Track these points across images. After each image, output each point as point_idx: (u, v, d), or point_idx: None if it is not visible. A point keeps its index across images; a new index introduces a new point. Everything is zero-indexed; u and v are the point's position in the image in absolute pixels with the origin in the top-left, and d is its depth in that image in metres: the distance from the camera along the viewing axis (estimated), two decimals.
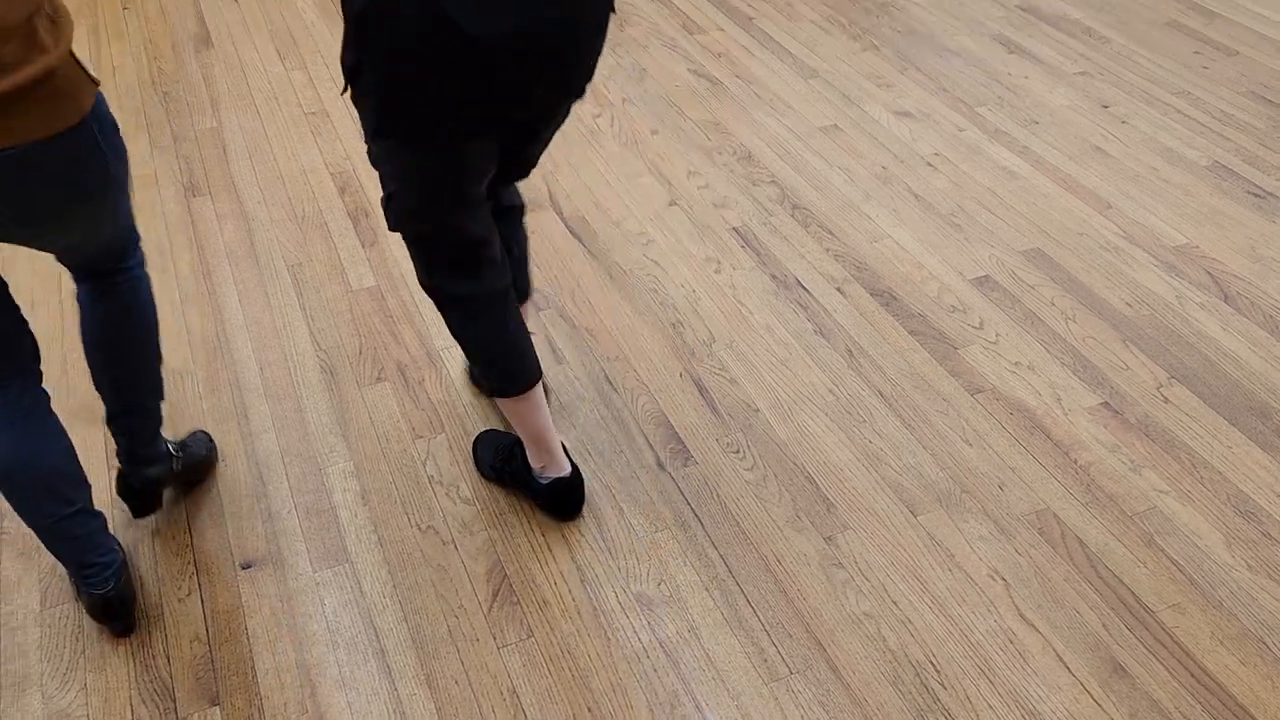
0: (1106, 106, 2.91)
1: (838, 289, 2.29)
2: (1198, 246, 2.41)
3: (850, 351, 2.13)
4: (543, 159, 2.56)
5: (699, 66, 3.11)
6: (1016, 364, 2.11)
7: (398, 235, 2.05)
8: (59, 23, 1.30)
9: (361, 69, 1.32)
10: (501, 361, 1.64)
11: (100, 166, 1.36)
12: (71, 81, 1.29)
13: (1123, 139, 2.78)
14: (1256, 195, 2.57)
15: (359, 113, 1.40)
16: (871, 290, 2.29)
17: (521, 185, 2.53)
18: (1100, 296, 2.27)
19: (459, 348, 1.83)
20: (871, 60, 3.15)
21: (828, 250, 2.40)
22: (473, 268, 1.55)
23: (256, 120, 2.84)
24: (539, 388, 1.68)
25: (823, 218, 2.51)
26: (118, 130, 1.41)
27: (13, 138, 1.26)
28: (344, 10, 1.31)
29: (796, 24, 3.35)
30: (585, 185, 2.61)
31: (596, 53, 1.43)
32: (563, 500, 1.76)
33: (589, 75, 1.45)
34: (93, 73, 1.35)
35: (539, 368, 1.68)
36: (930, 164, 2.70)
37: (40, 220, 1.36)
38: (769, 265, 2.36)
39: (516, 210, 1.77)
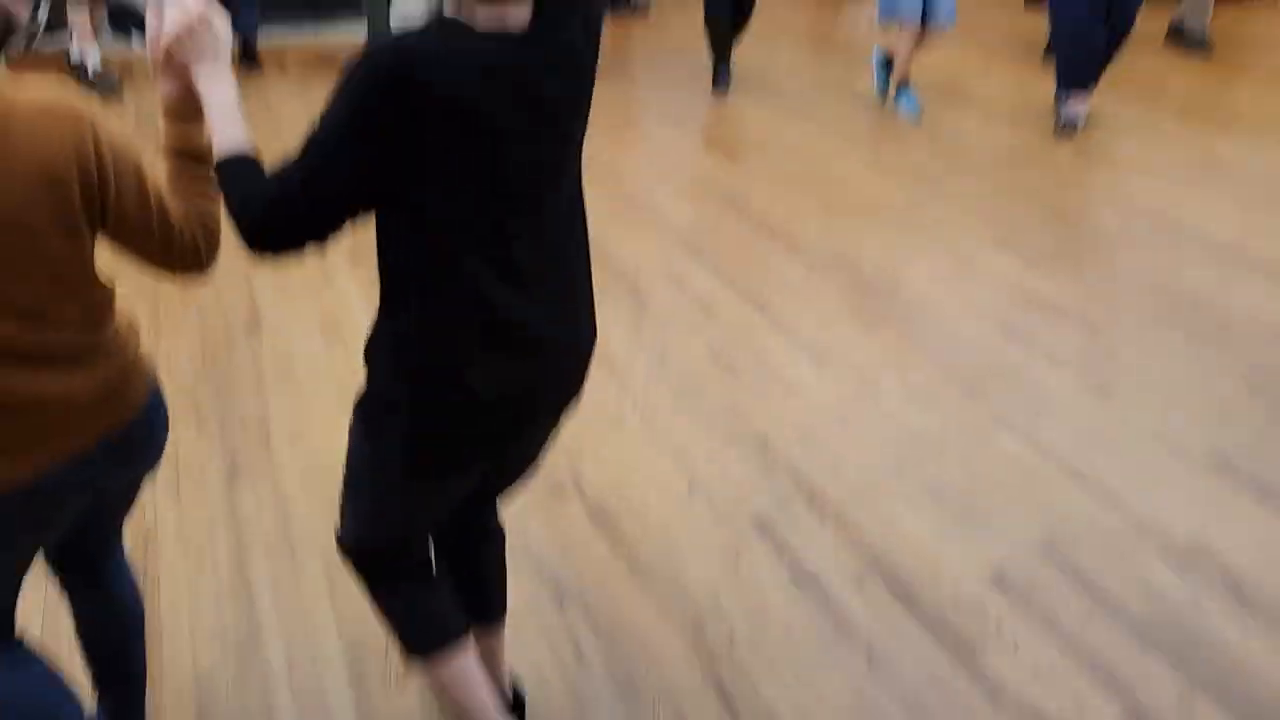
0: (1108, 395, 3.05)
1: (856, 585, 2.34)
2: (1207, 545, 2.45)
3: (869, 655, 2.15)
4: (568, 442, 2.67)
5: (718, 350, 3.30)
6: (1036, 671, 2.12)
7: None
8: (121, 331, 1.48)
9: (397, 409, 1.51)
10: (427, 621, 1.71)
11: (162, 438, 1.55)
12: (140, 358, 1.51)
13: (1126, 428, 2.89)
14: (1264, 491, 2.64)
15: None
16: (890, 587, 2.34)
17: (545, 470, 2.63)
18: (1116, 595, 2.30)
19: None
20: (882, 344, 3.33)
21: (845, 543, 2.47)
22: (405, 579, 1.69)
23: (300, 403, 3.00)
24: (464, 648, 1.69)
25: (838, 507, 2.59)
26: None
27: (115, 418, 1.43)
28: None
29: (810, 307, 3.56)
30: (608, 472, 2.71)
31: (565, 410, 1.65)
32: None
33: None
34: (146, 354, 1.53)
35: (460, 624, 1.71)
36: (941, 451, 2.80)
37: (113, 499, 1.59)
38: (786, 558, 2.42)
39: (496, 534, 1.87)
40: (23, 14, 1.27)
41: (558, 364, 1.55)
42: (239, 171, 1.33)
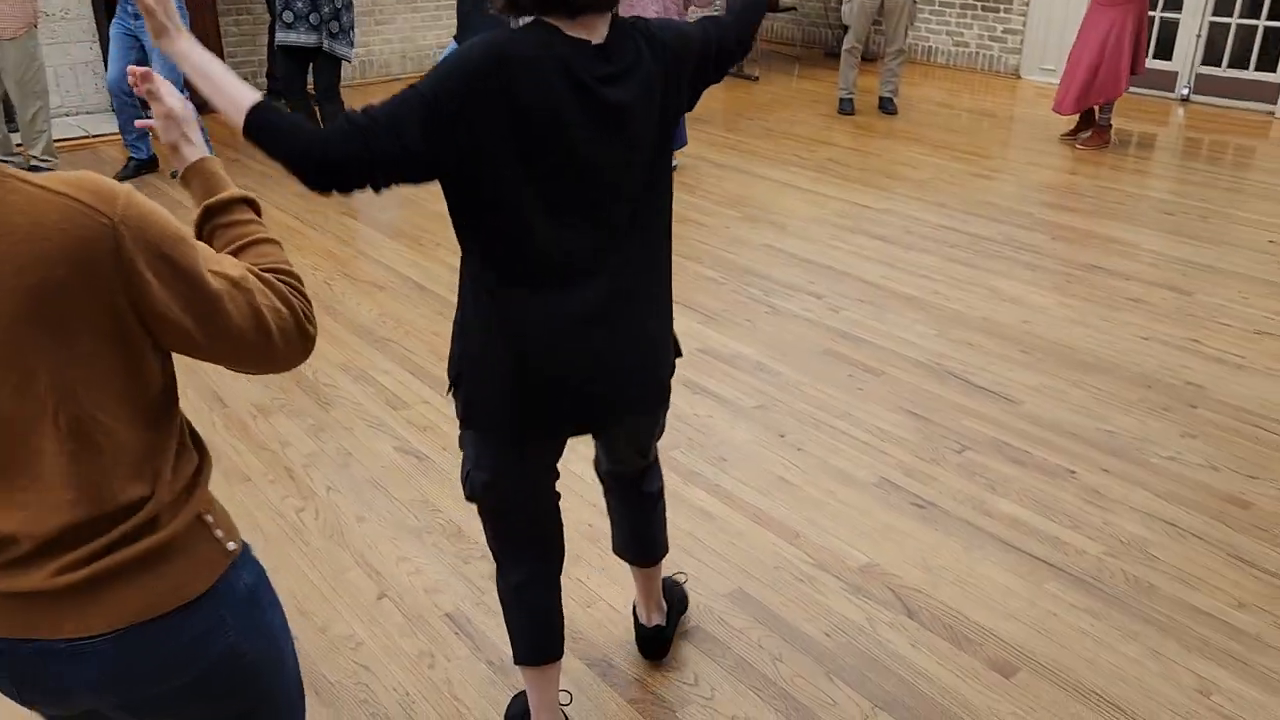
0: (783, 436, 3.21)
1: None
2: (878, 565, 2.62)
3: None
4: None
5: (405, 443, 3.18)
6: (733, 718, 2.14)
7: None
8: (180, 464, 1.16)
9: (460, 380, 1.75)
10: (521, 634, 1.96)
11: (229, 657, 1.16)
12: (188, 546, 1.13)
13: (801, 466, 3.05)
14: (919, 506, 2.86)
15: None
16: (588, 660, 2.30)
17: None
18: (802, 630, 2.39)
19: None
20: None
21: None
22: (525, 543, 1.94)
23: None
24: (550, 669, 1.99)
25: None
26: (267, 609, 1.24)
27: (103, 622, 1.07)
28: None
29: None
30: (288, 591, 2.51)
31: (645, 386, 1.83)
32: None
33: (641, 404, 1.87)
34: (221, 536, 1.18)
35: (557, 650, 1.98)
36: None
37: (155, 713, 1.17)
38: (484, 651, 2.33)
39: (648, 495, 2.16)
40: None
41: (589, 381, 1.72)
42: (276, 119, 1.44)
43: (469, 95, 1.46)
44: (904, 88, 8.09)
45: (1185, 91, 7.65)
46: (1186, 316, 4.05)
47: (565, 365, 1.68)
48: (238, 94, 1.44)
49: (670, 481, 2.98)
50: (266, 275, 1.18)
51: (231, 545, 1.20)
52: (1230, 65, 7.48)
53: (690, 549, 2.68)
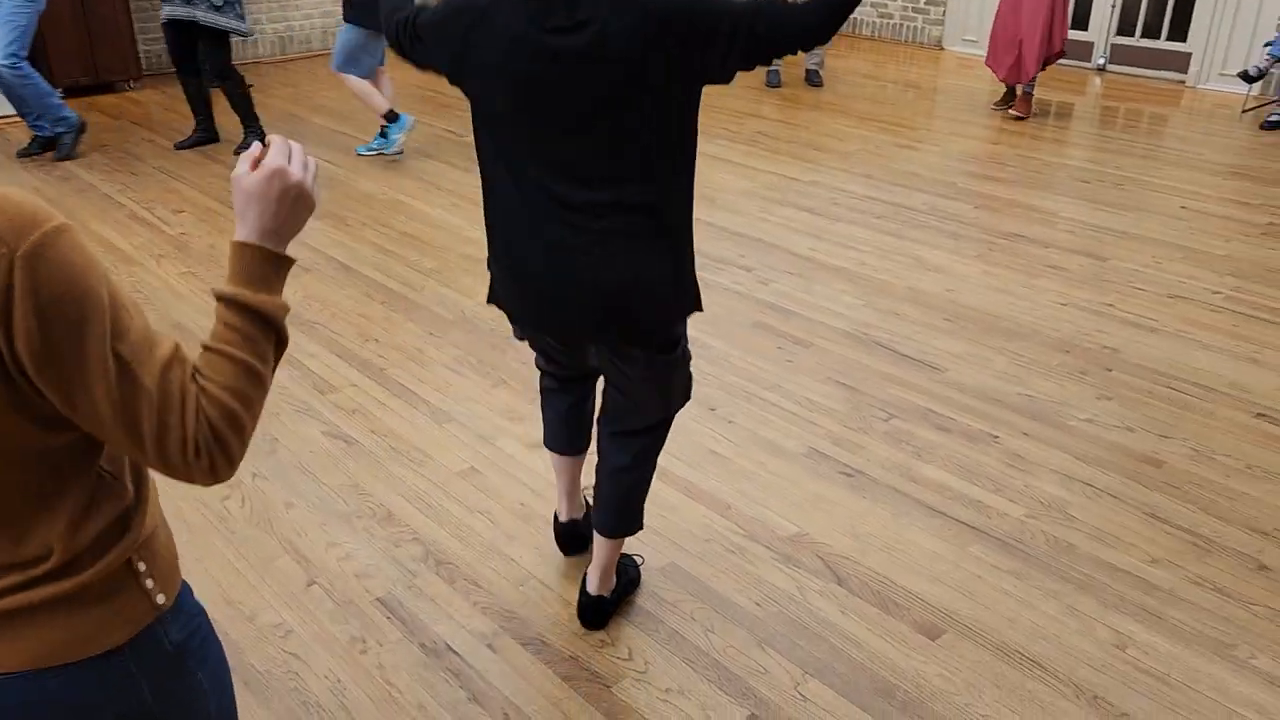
0: (714, 409, 3.23)
1: (489, 646, 2.28)
2: (808, 534, 2.65)
3: (507, 716, 2.09)
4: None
5: (333, 427, 3.13)
6: (667, 690, 2.16)
7: None
8: (100, 505, 1.05)
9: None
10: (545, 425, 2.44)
11: (139, 716, 1.07)
12: (107, 595, 1.04)
13: (731, 438, 3.08)
14: (848, 475, 2.90)
15: None
16: (522, 640, 2.30)
17: None
18: (733, 601, 2.42)
19: None
20: (503, 396, 3.32)
21: (475, 604, 2.40)
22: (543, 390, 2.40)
23: None
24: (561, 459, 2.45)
25: (468, 569, 2.52)
26: (195, 669, 1.13)
27: (9, 660, 1.00)
28: None
29: (428, 369, 3.49)
30: (213, 580, 2.47)
31: (604, 314, 1.93)
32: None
33: (598, 332, 1.98)
34: (151, 587, 1.08)
35: (561, 445, 2.41)
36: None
37: None
38: (417, 634, 2.32)
39: (619, 466, 2.24)
40: None
41: (541, 295, 1.94)
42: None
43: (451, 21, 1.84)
44: (830, 60, 8.14)
45: (1101, 61, 7.83)
46: (1103, 282, 4.16)
47: (518, 263, 1.94)
48: None
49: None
50: (196, 389, 1.00)
51: (161, 599, 1.11)
52: (1143, 35, 7.66)
53: None
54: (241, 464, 2.90)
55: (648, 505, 2.55)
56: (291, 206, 1.08)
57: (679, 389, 2.21)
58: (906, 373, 3.46)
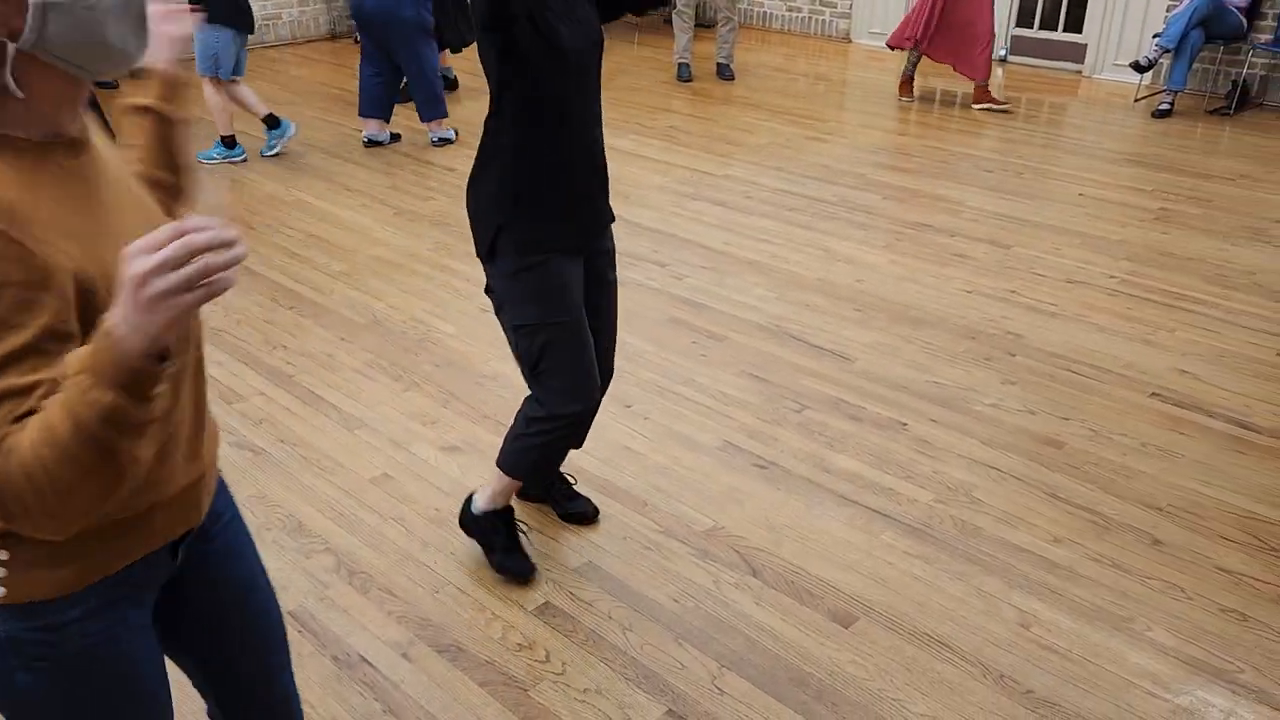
0: (629, 405, 3.24)
1: (404, 655, 2.25)
2: (723, 527, 2.68)
3: None
4: None
5: (240, 438, 3.06)
6: (585, 691, 2.16)
7: None
8: None
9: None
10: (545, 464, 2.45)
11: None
12: None
13: (647, 434, 3.09)
14: (762, 467, 2.93)
15: None
16: (438, 647, 2.27)
17: None
18: (650, 598, 2.43)
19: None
20: (415, 399, 3.28)
21: (390, 614, 2.37)
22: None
23: None
24: None
25: (381, 578, 2.48)
26: (15, 671, 1.20)
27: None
28: None
29: (338, 374, 3.42)
30: None
31: None
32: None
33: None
34: None
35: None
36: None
37: None
38: (330, 646, 2.27)
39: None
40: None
41: (594, 203, 2.32)
42: None
43: None
44: (741, 53, 8.21)
45: (1003, 52, 8.03)
46: (1006, 269, 4.27)
47: (584, 183, 2.27)
48: None
49: None
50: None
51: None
52: (1041, 27, 7.89)
53: (541, 525, 2.67)
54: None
55: (549, 509, 2.52)
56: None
57: None
58: (818, 363, 3.51)
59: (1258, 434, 3.10)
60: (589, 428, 2.37)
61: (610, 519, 2.71)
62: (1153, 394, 3.32)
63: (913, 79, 6.90)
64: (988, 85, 6.68)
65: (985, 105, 6.72)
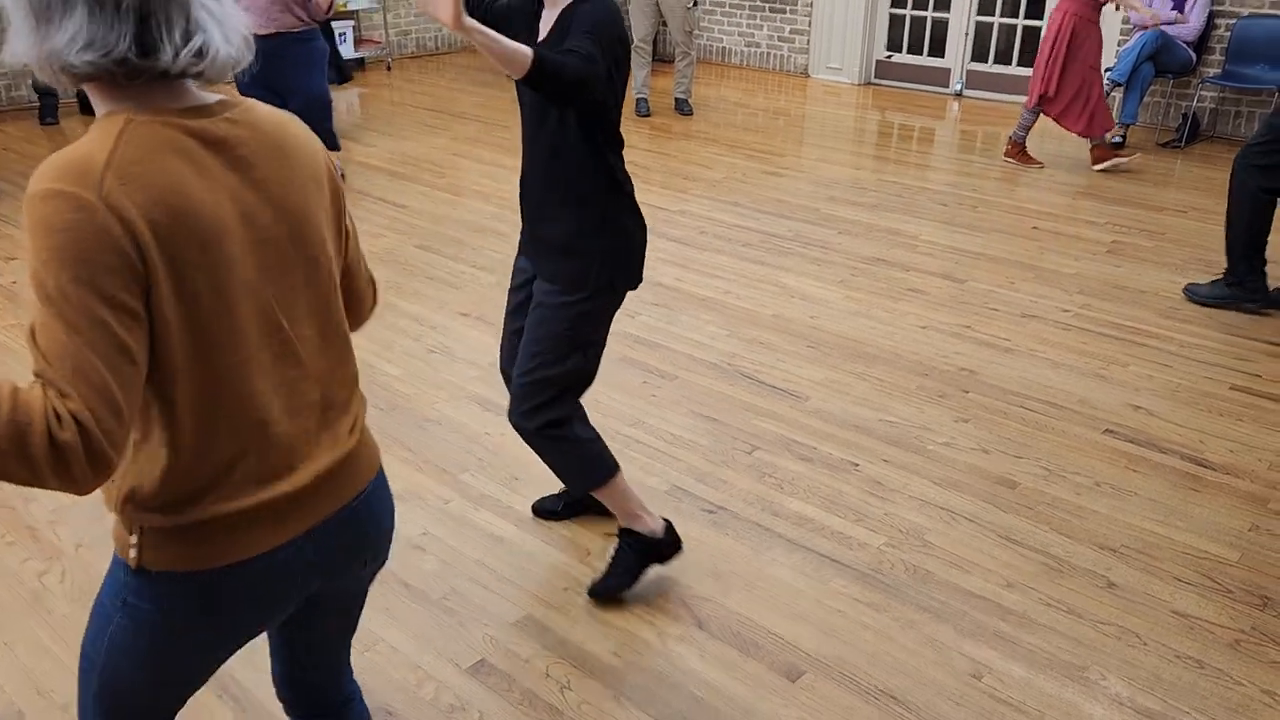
0: None
1: None
2: (668, 576, 2.59)
3: None
4: None
5: None
6: None
7: None
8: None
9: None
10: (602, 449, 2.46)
11: (392, 519, 1.43)
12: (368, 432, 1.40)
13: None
14: (710, 512, 2.86)
15: None
16: (370, 706, 2.16)
17: None
18: (591, 653, 2.33)
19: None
20: None
21: None
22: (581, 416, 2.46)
23: None
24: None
25: None
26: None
27: (360, 482, 1.35)
28: None
29: None
30: (23, 669, 2.26)
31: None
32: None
33: None
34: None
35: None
36: (419, 546, 2.70)
37: (342, 574, 1.38)
38: (250, 711, 2.16)
39: None
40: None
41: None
42: (555, 58, 1.90)
43: (619, 37, 2.09)
44: (701, 88, 8.23)
45: (959, 87, 8.10)
46: (960, 304, 4.25)
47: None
48: (516, 46, 1.85)
49: (459, 507, 2.87)
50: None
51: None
52: (996, 62, 7.97)
53: (479, 578, 2.57)
54: (65, 533, 2.70)
55: (505, 557, 2.44)
56: None
57: None
58: (770, 402, 3.44)
59: (1211, 470, 3.06)
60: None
61: (553, 569, 2.61)
62: (1106, 430, 3.28)
63: (1024, 142, 6.22)
64: (1105, 141, 6.13)
65: (1108, 164, 6.07)
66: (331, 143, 5.53)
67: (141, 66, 1.09)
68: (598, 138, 2.18)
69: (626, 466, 3.05)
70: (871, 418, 3.35)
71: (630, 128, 7.16)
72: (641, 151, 6.56)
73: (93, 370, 1.02)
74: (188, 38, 1.11)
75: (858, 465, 3.08)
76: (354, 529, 1.35)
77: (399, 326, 4.00)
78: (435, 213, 5.34)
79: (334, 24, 8.39)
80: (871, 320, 4.08)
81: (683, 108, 7.49)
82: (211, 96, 1.20)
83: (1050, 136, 6.97)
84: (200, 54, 1.12)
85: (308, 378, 1.26)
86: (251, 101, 1.24)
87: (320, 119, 5.29)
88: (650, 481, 2.99)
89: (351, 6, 8.66)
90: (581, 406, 2.43)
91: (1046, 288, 4.41)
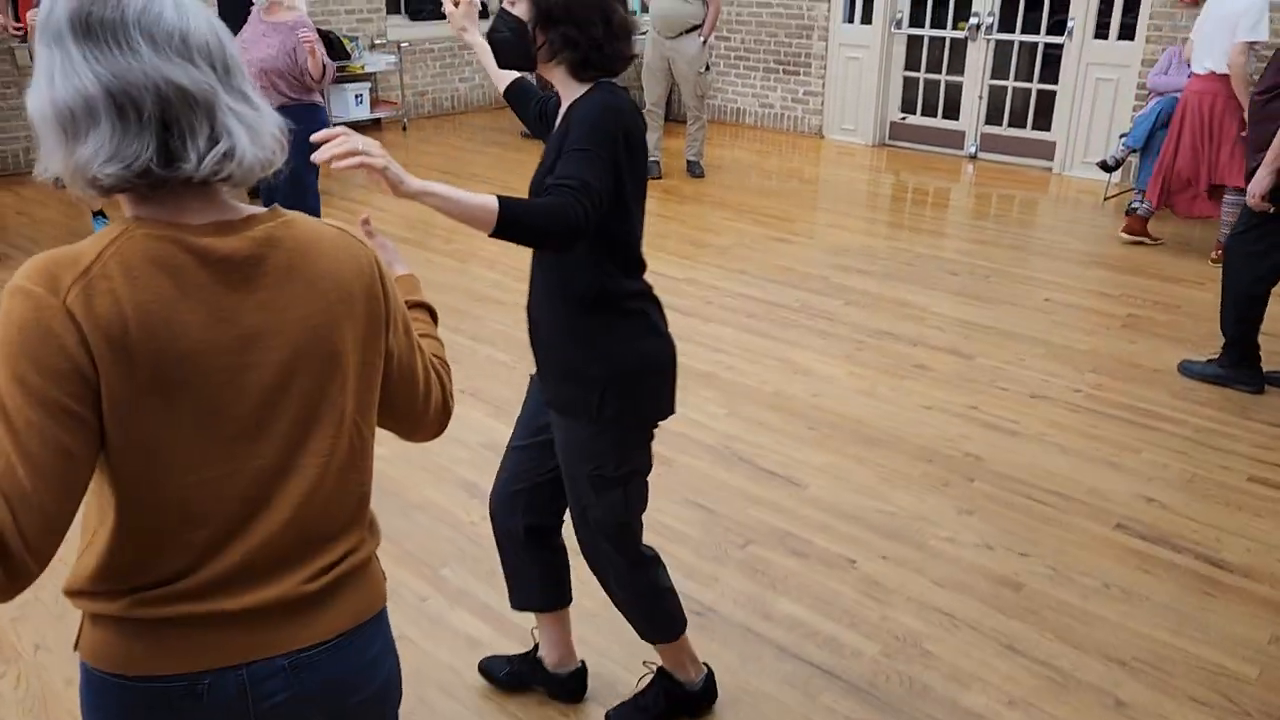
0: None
1: None
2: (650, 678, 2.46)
3: None
4: None
5: None
6: None
7: None
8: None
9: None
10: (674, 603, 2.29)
11: (395, 666, 1.36)
12: (377, 563, 1.35)
13: (578, 575, 2.87)
14: (698, 614, 2.73)
15: None
16: None
17: None
18: None
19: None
20: None
21: None
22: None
23: None
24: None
25: None
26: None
27: (323, 630, 1.24)
28: None
29: None
30: None
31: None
32: None
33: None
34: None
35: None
36: None
37: None
38: None
39: None
40: None
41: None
42: (525, 204, 1.69)
43: (620, 137, 1.84)
44: (714, 148, 8.21)
45: (973, 149, 8.04)
46: (967, 382, 4.12)
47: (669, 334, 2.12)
48: (478, 200, 1.64)
49: (436, 605, 2.77)
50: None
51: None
52: (1010, 125, 7.91)
53: (449, 687, 2.46)
54: (26, 633, 2.61)
55: (461, 668, 2.33)
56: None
57: None
58: (767, 489, 3.33)
59: (1228, 572, 2.91)
60: None
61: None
62: (1117, 525, 3.14)
63: (1146, 220, 5.93)
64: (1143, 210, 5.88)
65: (1136, 239, 5.91)
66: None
67: (165, 176, 1.08)
68: (605, 264, 1.94)
69: None
70: (871, 508, 3.23)
71: None
72: (651, 216, 6.46)
73: (20, 470, 1.01)
74: (213, 144, 1.10)
75: (855, 562, 2.95)
76: (304, 683, 1.23)
77: None
78: (440, 280, 5.29)
79: (349, 85, 8.47)
80: (875, 399, 3.97)
81: (694, 170, 7.46)
82: (245, 209, 1.17)
83: (1065, 203, 6.87)
84: (226, 158, 1.11)
85: (286, 506, 1.19)
86: (292, 215, 1.21)
87: (300, 198, 5.26)
88: None
89: (369, 69, 8.74)
90: (658, 554, 2.25)
91: (1057, 364, 4.29)
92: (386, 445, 3.61)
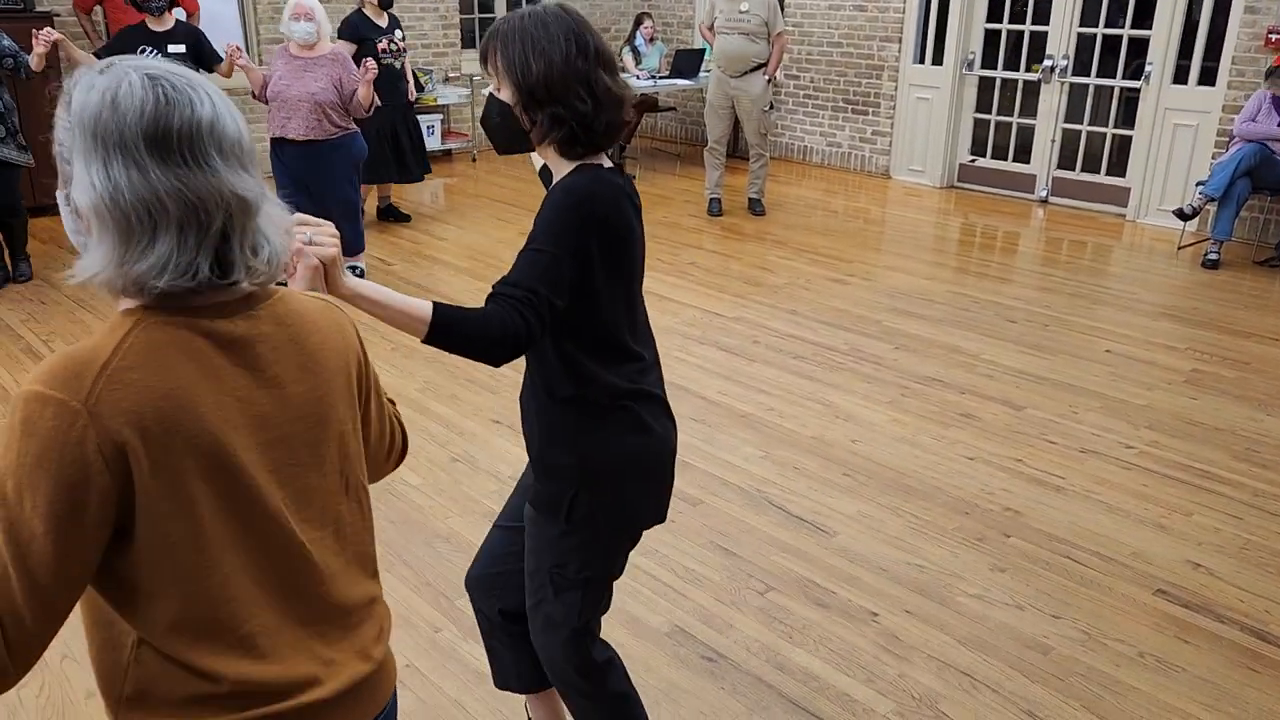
0: None
1: None
2: None
3: None
4: None
5: None
6: None
7: None
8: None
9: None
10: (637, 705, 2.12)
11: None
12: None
13: None
14: (710, 660, 2.68)
15: None
16: None
17: None
18: None
19: None
20: None
21: None
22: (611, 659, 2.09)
23: None
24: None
25: None
26: None
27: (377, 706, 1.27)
28: None
29: None
30: None
31: None
32: None
33: None
34: None
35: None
36: (400, 681, 2.59)
37: None
38: None
39: None
40: None
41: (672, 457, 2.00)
42: (460, 313, 1.60)
43: (591, 225, 1.71)
44: (779, 186, 8.18)
45: (1044, 193, 7.87)
46: (1015, 434, 4.00)
47: (669, 431, 1.94)
48: (411, 305, 1.56)
49: (448, 637, 2.77)
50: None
51: None
52: (1083, 169, 7.72)
53: None
54: (56, 643, 2.68)
55: (485, 697, 2.32)
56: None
57: None
58: (794, 536, 3.27)
59: (1273, 646, 2.76)
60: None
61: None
62: (1158, 590, 3.00)
63: None
64: None
65: None
66: (358, 243, 5.66)
67: (218, 285, 1.09)
68: (582, 363, 1.79)
69: (630, 601, 2.91)
70: (900, 560, 3.14)
71: (701, 228, 7.13)
72: (707, 253, 6.51)
73: (14, 584, 1.00)
74: (256, 251, 1.11)
75: (876, 615, 2.88)
76: None
77: (429, 431, 3.97)
78: None
79: (422, 117, 8.68)
80: (916, 448, 3.88)
81: (755, 208, 7.45)
82: (242, 289, 1.15)
83: (1138, 251, 6.67)
84: (267, 263, 1.13)
85: (322, 581, 1.20)
86: (285, 292, 1.22)
87: (349, 221, 5.43)
88: (653, 621, 2.84)
89: (441, 101, 8.95)
90: (615, 655, 2.08)
91: (1112, 419, 4.14)
92: (421, 474, 3.68)
